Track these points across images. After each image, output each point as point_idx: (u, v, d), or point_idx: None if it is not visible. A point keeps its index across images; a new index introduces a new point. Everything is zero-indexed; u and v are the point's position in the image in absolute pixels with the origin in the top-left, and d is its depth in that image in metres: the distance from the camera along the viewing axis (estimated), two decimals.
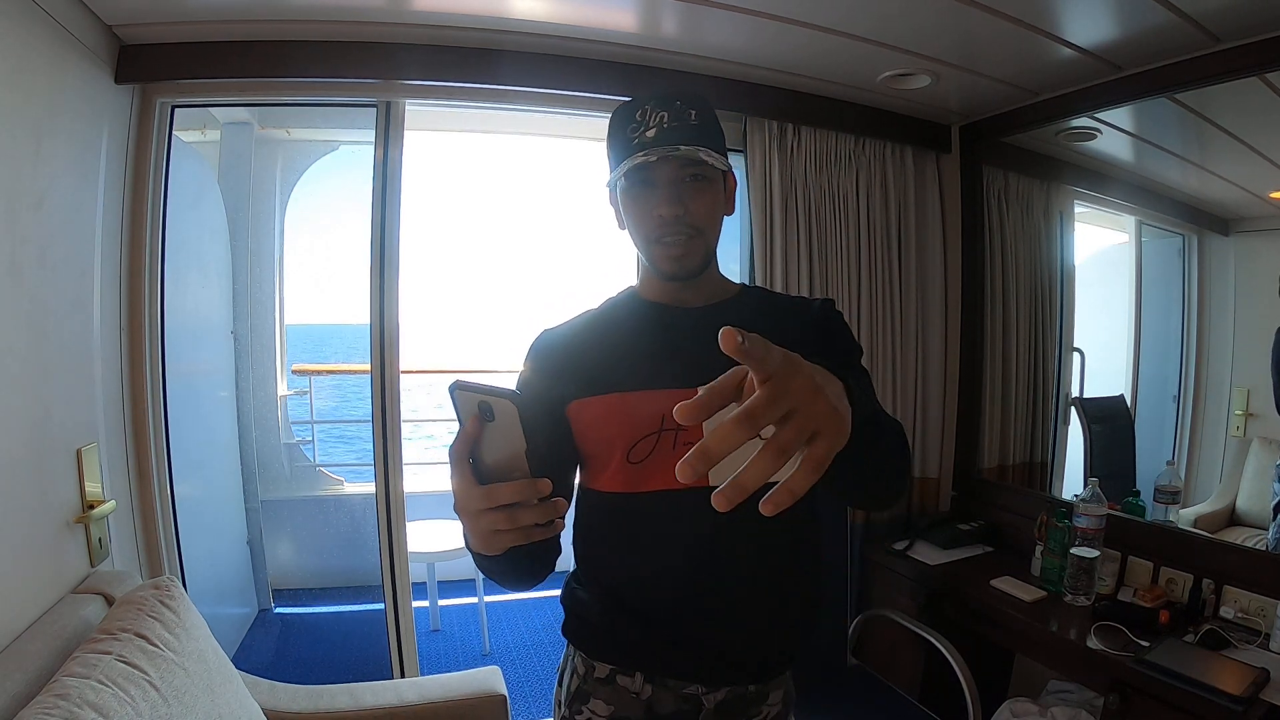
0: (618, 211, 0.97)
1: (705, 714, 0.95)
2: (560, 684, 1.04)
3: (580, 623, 0.99)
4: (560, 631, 1.02)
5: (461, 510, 0.63)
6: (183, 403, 2.05)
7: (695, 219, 0.91)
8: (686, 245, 0.91)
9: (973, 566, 1.98)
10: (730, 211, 0.98)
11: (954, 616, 1.88)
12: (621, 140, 0.92)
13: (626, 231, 0.97)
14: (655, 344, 0.96)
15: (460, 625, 3.21)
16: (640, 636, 0.94)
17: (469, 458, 0.61)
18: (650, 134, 0.89)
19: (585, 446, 0.96)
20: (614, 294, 1.07)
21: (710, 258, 0.96)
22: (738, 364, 0.74)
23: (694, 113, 0.91)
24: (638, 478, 0.92)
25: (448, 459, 0.63)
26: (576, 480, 1.01)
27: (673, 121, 0.89)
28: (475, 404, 0.58)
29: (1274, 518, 1.69)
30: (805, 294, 2.08)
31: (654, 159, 0.87)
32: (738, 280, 1.08)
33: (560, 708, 1.03)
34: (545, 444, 0.83)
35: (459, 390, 0.59)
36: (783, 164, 2.05)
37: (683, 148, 0.87)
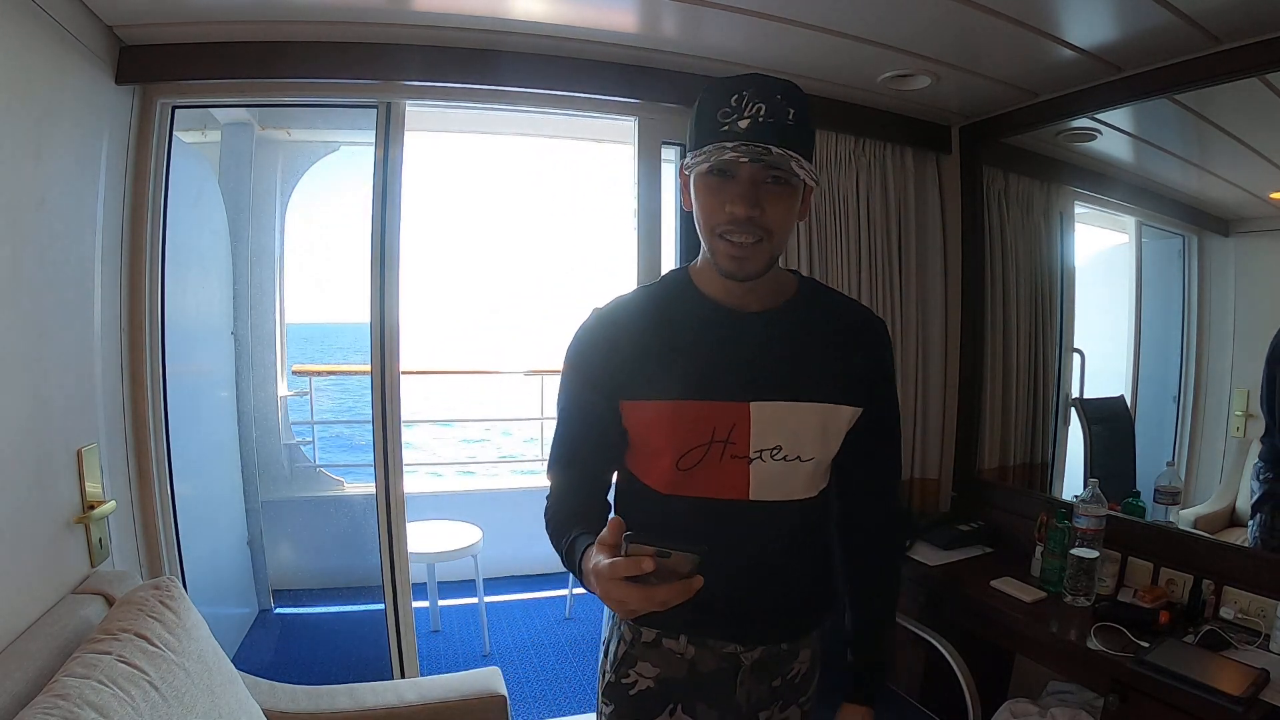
0: (687, 191, 0.93)
1: (743, 670, 1.03)
2: (605, 653, 1.10)
3: None
4: None
5: (614, 601, 0.75)
6: (183, 403, 2.05)
7: (768, 222, 0.87)
8: (752, 248, 0.88)
9: (973, 567, 1.97)
10: (804, 217, 0.95)
11: (954, 617, 1.88)
12: (709, 122, 0.86)
13: (692, 213, 0.93)
14: (711, 352, 0.95)
15: (460, 626, 3.20)
16: (682, 605, 0.96)
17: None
18: (743, 125, 0.83)
19: (636, 441, 1.00)
20: (670, 275, 1.04)
21: (774, 263, 0.92)
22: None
23: (793, 111, 0.85)
24: (684, 482, 0.96)
25: (584, 570, 0.81)
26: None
27: (769, 117, 0.83)
28: (653, 549, 0.72)
29: (1253, 515, 1.69)
30: None
31: (745, 160, 0.83)
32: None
33: (605, 675, 1.09)
34: (613, 432, 0.99)
35: (632, 544, 0.73)
36: None
37: (774, 150, 0.82)
